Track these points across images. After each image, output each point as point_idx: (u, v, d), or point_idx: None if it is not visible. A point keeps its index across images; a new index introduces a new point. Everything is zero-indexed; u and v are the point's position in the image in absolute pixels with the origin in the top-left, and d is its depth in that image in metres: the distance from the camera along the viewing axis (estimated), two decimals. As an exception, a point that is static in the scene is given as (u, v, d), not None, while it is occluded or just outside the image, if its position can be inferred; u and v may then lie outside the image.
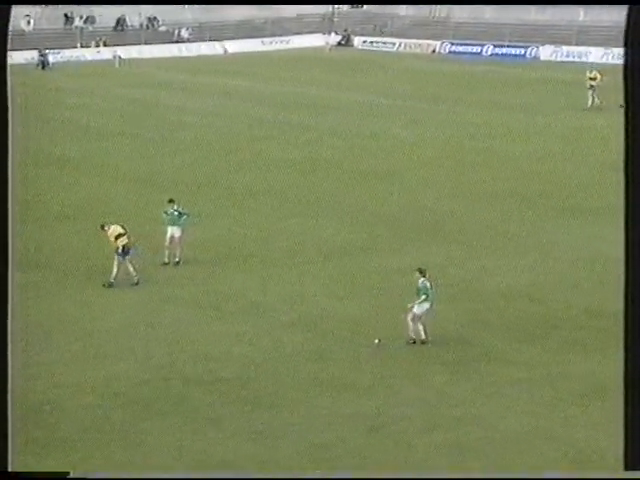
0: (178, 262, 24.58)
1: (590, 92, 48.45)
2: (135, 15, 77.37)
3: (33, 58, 66.97)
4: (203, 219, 28.57)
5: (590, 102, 48.26)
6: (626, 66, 3.89)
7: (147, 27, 78.35)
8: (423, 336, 19.27)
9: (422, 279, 19.42)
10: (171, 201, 25.09)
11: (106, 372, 18.15)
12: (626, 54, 3.85)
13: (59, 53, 69.82)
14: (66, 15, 75.58)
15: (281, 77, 62.06)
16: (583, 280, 23.21)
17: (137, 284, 23.02)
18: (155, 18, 78.39)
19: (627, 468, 4.02)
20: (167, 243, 24.59)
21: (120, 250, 22.93)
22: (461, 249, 25.80)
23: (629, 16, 3.81)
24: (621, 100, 4.71)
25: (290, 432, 15.80)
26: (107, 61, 68.03)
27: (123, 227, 23.28)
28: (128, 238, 23.08)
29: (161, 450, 15.16)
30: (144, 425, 16.06)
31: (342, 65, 68.41)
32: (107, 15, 76.68)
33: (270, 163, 36.71)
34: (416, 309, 19.26)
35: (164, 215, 24.78)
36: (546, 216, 29.01)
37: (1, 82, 3.82)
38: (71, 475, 4.77)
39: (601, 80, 48.02)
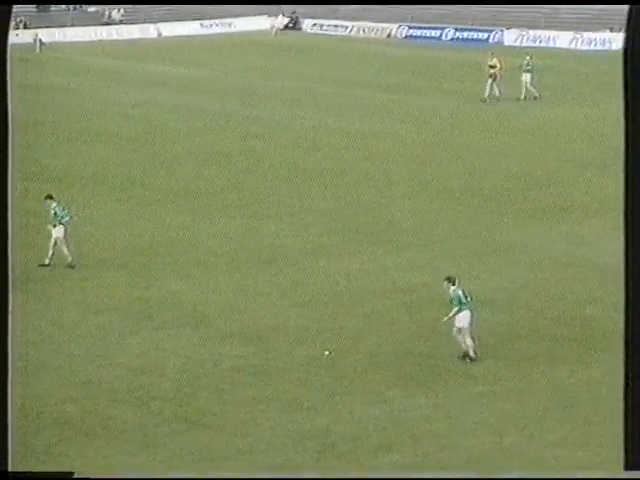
0: (71, 263, 24.24)
1: (490, 81, 47.62)
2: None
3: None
4: (128, 220, 28.45)
5: (487, 92, 47.57)
6: (625, 74, 4.00)
7: (74, 7, 77.76)
8: (471, 353, 18.94)
9: (453, 287, 19.26)
10: (49, 197, 24.71)
11: (24, 390, 17.95)
12: (625, 58, 3.95)
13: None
14: (-18, -6, 74.85)
15: (219, 63, 61.92)
16: (550, 285, 23.42)
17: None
18: (81, -3, 78.01)
19: (627, 468, 4.22)
20: (51, 244, 24.20)
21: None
22: (416, 252, 25.90)
23: (629, 16, 3.90)
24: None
25: (232, 454, 15.75)
26: (27, 45, 67.41)
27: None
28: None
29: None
30: (68, 449, 15.90)
31: (287, 51, 68.45)
32: (28, -5, 76.08)
33: (205, 159, 36.59)
34: (457, 322, 19.05)
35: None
36: (507, 216, 29.23)
37: (1, 83, 3.91)
38: (75, 476, 4.93)
39: (501, 69, 47.69)
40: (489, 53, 50.02)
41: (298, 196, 31.46)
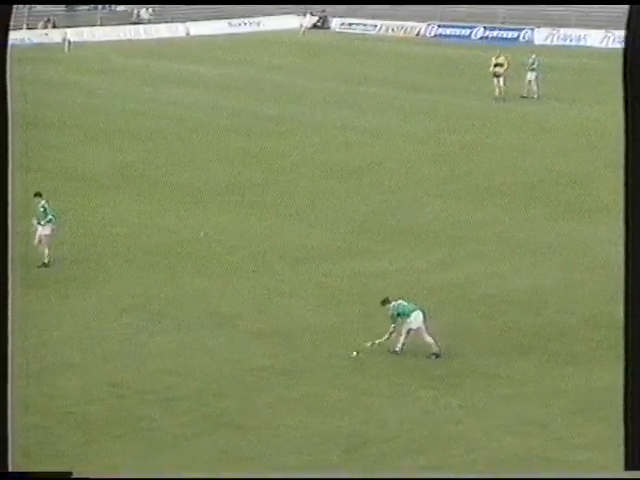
0: (46, 264, 24.13)
1: (496, 80, 47.29)
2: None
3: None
4: (154, 219, 28.50)
5: (498, 91, 47.32)
6: (625, 73, 3.93)
7: (103, 7, 78.03)
8: (435, 349, 19.21)
9: (389, 306, 19.41)
10: (38, 195, 24.61)
11: (50, 389, 18.02)
12: (625, 58, 3.88)
13: (2, 35, 69.38)
14: (12, -7, 75.16)
15: (246, 62, 61.95)
16: (580, 286, 23.27)
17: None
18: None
19: (627, 468, 4.16)
20: (36, 242, 24.16)
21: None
22: (444, 252, 25.80)
23: (629, 16, 3.83)
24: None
25: (258, 454, 15.74)
26: (56, 45, 67.75)
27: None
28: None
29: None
30: (95, 449, 15.94)
31: (315, 49, 68.41)
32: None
33: (232, 158, 36.63)
34: (412, 325, 19.22)
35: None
36: (538, 215, 29.08)
37: (1, 83, 3.88)
38: (74, 475, 4.86)
39: (508, 68, 47.35)
40: (497, 51, 49.84)
41: (326, 195, 31.41)
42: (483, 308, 21.96)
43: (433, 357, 19.20)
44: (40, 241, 24.18)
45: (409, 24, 76.88)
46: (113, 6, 78.28)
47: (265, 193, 31.79)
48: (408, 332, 19.32)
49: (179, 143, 39.34)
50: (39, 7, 74.81)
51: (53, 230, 24.31)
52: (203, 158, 36.63)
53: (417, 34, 76.44)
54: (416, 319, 19.31)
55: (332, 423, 16.75)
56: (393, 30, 77.49)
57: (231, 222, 28.59)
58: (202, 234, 27.17)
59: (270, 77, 56.18)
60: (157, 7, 77.95)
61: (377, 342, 19.33)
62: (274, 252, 25.91)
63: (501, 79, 47.64)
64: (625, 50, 3.83)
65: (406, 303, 19.58)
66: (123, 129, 41.96)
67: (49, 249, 24.28)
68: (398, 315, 19.37)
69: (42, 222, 24.13)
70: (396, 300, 19.62)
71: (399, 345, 19.32)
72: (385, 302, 19.67)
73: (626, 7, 3.77)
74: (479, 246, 26.29)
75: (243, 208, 29.99)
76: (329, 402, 17.56)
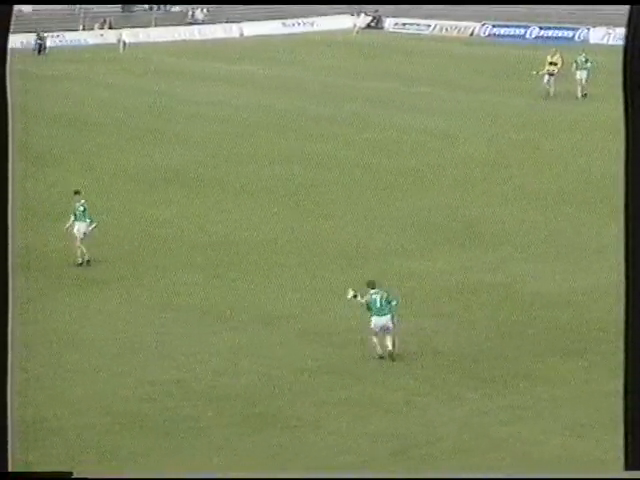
0: (83, 262, 24.29)
1: (547, 79, 47.24)
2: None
3: (30, 42, 67.30)
4: (201, 219, 28.67)
5: (552, 90, 47.11)
6: (625, 73, 3.91)
7: (158, 7, 78.63)
8: (386, 354, 19.07)
9: (372, 291, 19.35)
10: (77, 193, 24.81)
11: (107, 388, 18.25)
12: (625, 58, 3.87)
13: (58, 37, 70.21)
14: (70, -5, 76.15)
15: (300, 63, 62.15)
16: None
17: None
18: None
19: (627, 468, 4.16)
20: (77, 242, 24.36)
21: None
22: (495, 252, 25.76)
23: (630, 16, 3.84)
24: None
25: (307, 454, 15.84)
26: (111, 45, 68.40)
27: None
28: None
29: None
30: (147, 446, 16.13)
31: (368, 50, 68.43)
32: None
33: (284, 158, 36.80)
34: (373, 325, 19.18)
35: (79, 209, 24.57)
36: (593, 217, 28.92)
37: (1, 84, 3.91)
38: (74, 475, 4.92)
39: (562, 67, 47.18)
40: (552, 50, 49.61)
41: (377, 196, 31.48)
42: (532, 309, 21.91)
43: (381, 358, 19.03)
44: (79, 239, 24.34)
45: (463, 24, 76.64)
46: (168, 7, 78.78)
47: (316, 194, 31.90)
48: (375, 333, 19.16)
49: (231, 144, 39.57)
50: (95, 8, 75.57)
51: (91, 229, 24.46)
52: (255, 159, 36.81)
53: (471, 34, 76.16)
54: (375, 324, 19.14)
55: (380, 424, 16.82)
56: (447, 30, 77.28)
57: (283, 223, 28.74)
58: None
59: (323, 78, 56.30)
60: (212, 8, 78.39)
61: None
62: (322, 253, 26.02)
63: (552, 78, 47.49)
64: (625, 49, 3.82)
65: (381, 298, 19.17)
66: (176, 130, 42.28)
67: (85, 247, 24.39)
68: (368, 308, 19.23)
69: (81, 220, 24.30)
70: (379, 290, 19.34)
71: (379, 349, 19.13)
72: (370, 285, 19.48)
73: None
74: (532, 247, 26.22)
75: (294, 209, 30.14)
76: (377, 403, 17.63)
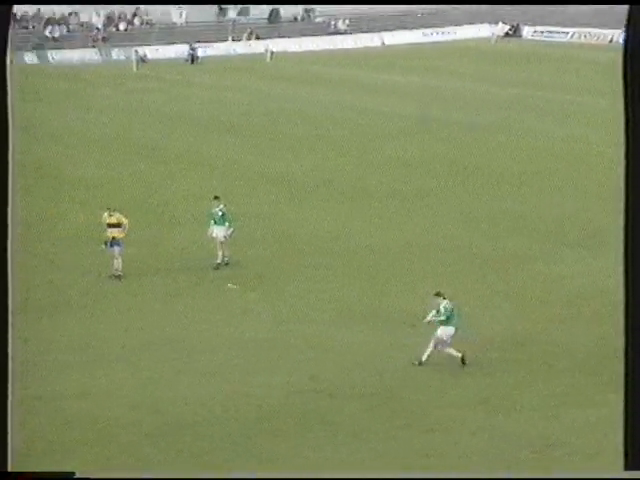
0: (220, 264, 24.69)
1: None
2: (291, 6, 78.91)
3: (183, 52, 69.29)
4: (316, 220, 28.91)
5: None
6: (625, 72, 3.93)
7: (302, 18, 79.85)
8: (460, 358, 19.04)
9: (444, 302, 19.15)
10: (216, 198, 25.18)
11: (254, 381, 18.64)
12: (625, 57, 3.89)
13: (209, 47, 71.88)
14: (220, 7, 77.68)
15: (440, 70, 62.10)
16: None
17: (118, 278, 24.03)
18: (312, 9, 79.80)
19: (627, 468, 4.22)
20: (217, 245, 24.77)
21: (108, 241, 24.01)
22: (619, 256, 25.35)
23: (629, 16, 3.85)
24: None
25: (446, 453, 15.85)
26: (258, 55, 69.67)
27: (119, 219, 24.12)
28: (122, 231, 23.98)
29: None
30: (285, 438, 16.35)
31: (506, 58, 68.01)
32: (260, 7, 78.44)
33: (417, 163, 36.86)
34: (441, 334, 19.14)
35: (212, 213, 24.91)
36: None
37: (1, 83, 3.70)
38: (76, 475, 5.07)
39: None
40: None
41: (507, 200, 31.39)
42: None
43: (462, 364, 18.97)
44: (218, 242, 24.82)
45: (602, 31, 75.52)
46: (311, 18, 79.85)
47: (448, 198, 31.90)
48: (436, 344, 19.06)
49: (375, 149, 39.91)
50: (244, 19, 77.15)
51: (230, 233, 24.84)
52: (394, 164, 37.04)
53: (610, 41, 75.01)
54: (446, 332, 19.07)
55: (520, 424, 16.72)
56: (585, 37, 76.24)
57: (413, 226, 28.93)
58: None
59: (462, 84, 56.29)
60: (353, 18, 79.16)
61: None
62: (460, 256, 26.03)
63: None
64: (625, 49, 3.76)
65: (451, 308, 19.11)
66: (323, 135, 42.78)
67: (225, 250, 24.84)
68: (447, 318, 19.04)
69: (220, 225, 24.73)
70: (449, 301, 19.24)
71: (424, 356, 19.09)
72: (438, 295, 19.34)
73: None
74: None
75: (428, 215, 30.19)
76: (517, 403, 17.59)
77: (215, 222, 24.80)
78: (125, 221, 24.20)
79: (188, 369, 19.01)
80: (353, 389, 18.22)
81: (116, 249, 24.03)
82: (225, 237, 24.79)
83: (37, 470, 5.45)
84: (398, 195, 32.34)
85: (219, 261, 24.86)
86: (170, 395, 17.85)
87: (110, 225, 24.11)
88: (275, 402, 17.69)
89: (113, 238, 24.03)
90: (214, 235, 24.82)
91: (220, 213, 24.84)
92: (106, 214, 24.34)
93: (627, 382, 4.27)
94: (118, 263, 24.09)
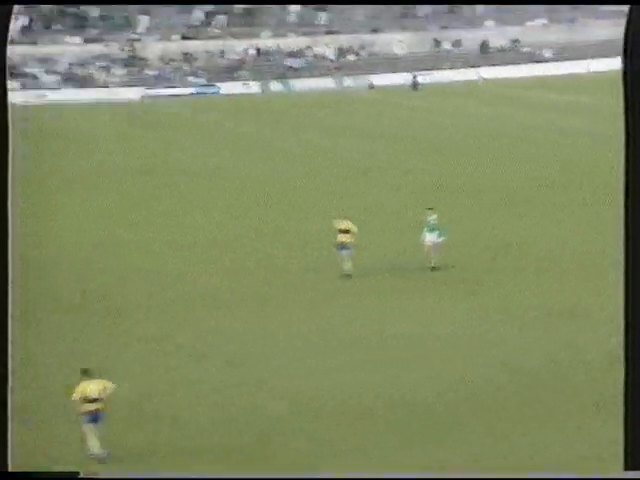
0: (434, 267, 26.39)
1: None
2: (499, 38, 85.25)
3: (406, 80, 76.26)
4: (464, 224, 30.87)
5: None
6: (625, 71, 3.92)
7: (510, 49, 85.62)
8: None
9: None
10: (430, 209, 27.17)
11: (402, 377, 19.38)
12: (625, 57, 3.74)
13: (429, 74, 79.38)
14: (436, 39, 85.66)
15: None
16: None
17: (348, 277, 25.44)
18: (517, 40, 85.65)
19: (627, 468, 4.47)
20: (425, 249, 26.65)
21: (339, 245, 25.88)
22: None
23: (629, 17, 3.70)
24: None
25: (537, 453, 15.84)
26: (470, 81, 74.48)
27: (349, 227, 25.91)
28: (351, 237, 25.75)
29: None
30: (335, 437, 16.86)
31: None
32: (471, 39, 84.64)
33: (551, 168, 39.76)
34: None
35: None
36: None
37: (1, 82, 3.71)
38: (81, 475, 4.71)
39: None
40: None
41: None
42: None
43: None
44: (429, 249, 26.67)
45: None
46: (517, 47, 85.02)
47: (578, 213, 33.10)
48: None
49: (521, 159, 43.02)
50: (457, 50, 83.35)
51: (440, 241, 26.57)
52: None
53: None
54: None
55: (601, 428, 16.38)
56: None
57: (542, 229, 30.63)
58: None
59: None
60: (557, 47, 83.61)
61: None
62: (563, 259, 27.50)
63: None
64: (625, 49, 3.86)
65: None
66: (519, 150, 46.02)
67: (435, 256, 26.54)
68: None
69: (432, 232, 26.56)
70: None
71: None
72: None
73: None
74: None
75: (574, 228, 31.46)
76: (599, 407, 17.42)
77: (428, 230, 26.62)
78: (355, 228, 26.33)
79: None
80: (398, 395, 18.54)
81: (344, 252, 26.03)
82: (434, 243, 26.45)
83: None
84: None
85: (432, 264, 26.44)
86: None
87: (341, 231, 26.28)
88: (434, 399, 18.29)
89: (343, 242, 26.18)
90: (426, 241, 26.66)
91: (432, 222, 26.63)
92: (336, 221, 26.50)
93: (627, 383, 4.21)
94: (348, 265, 26.05)
